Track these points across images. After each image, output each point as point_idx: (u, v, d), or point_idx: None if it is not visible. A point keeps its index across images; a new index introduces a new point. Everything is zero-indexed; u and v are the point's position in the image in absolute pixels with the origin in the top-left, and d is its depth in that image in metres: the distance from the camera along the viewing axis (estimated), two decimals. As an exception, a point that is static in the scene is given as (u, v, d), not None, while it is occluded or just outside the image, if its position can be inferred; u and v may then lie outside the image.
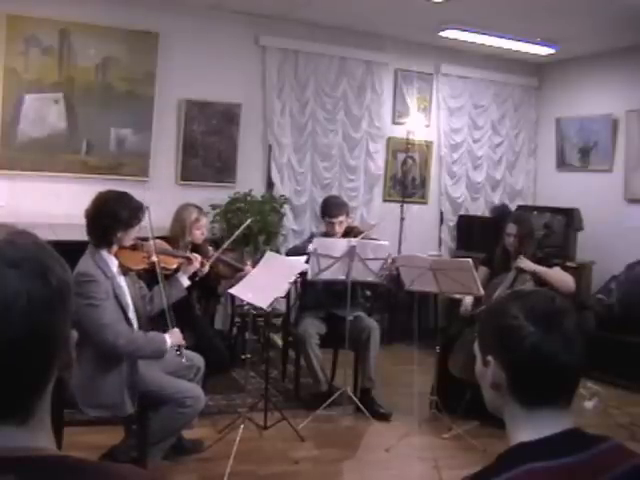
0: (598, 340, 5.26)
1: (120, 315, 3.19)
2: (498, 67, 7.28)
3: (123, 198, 3.23)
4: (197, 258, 3.74)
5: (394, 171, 7.11)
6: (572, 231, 6.54)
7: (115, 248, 3.24)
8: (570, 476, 1.09)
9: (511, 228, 4.49)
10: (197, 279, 3.88)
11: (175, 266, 3.69)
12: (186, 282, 3.64)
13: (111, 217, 3.16)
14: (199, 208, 4.36)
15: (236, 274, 4.12)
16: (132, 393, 3.16)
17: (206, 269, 3.87)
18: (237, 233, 4.22)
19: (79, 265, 3.11)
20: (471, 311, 4.38)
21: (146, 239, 3.48)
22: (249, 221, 4.52)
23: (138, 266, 3.38)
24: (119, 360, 3.14)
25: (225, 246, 4.13)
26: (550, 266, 4.45)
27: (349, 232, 4.75)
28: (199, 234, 4.26)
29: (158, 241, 3.67)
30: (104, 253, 3.19)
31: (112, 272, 3.20)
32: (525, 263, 4.33)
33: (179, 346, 3.29)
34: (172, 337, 3.26)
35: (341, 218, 4.69)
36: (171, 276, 3.63)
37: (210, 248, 4.18)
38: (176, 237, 4.20)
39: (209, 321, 5.13)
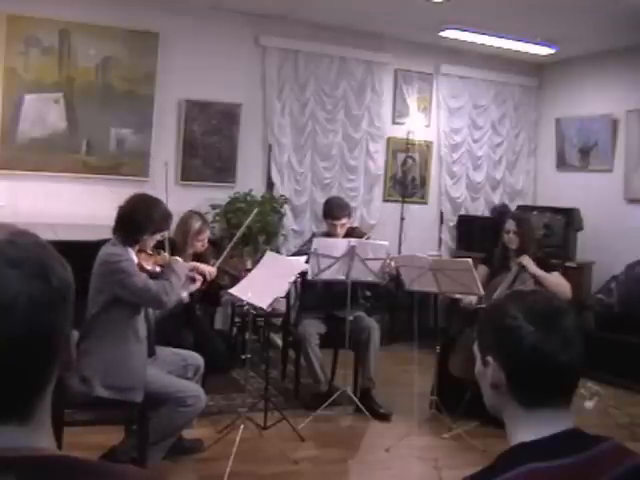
0: (598, 340, 5.27)
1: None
2: (498, 67, 7.28)
3: (158, 202, 3.36)
4: (200, 279, 3.74)
5: (394, 171, 7.11)
6: (572, 231, 6.54)
7: (137, 248, 3.33)
8: (570, 476, 1.10)
9: (510, 224, 4.48)
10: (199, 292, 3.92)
11: None
12: (186, 298, 3.75)
13: (146, 217, 3.26)
14: (204, 219, 4.36)
15: (237, 282, 4.12)
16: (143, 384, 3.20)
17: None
18: (242, 229, 4.22)
19: (104, 249, 3.23)
20: (475, 304, 4.34)
21: (161, 247, 3.55)
22: (255, 212, 4.47)
23: (152, 269, 3.45)
24: (141, 346, 3.23)
25: (227, 252, 4.11)
26: (550, 267, 4.44)
27: (350, 233, 4.75)
28: (199, 246, 4.26)
29: (190, 264, 3.77)
30: (128, 249, 3.28)
31: (135, 264, 3.28)
32: (527, 262, 4.33)
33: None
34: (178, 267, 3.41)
35: (344, 220, 4.70)
36: None
37: (212, 260, 4.15)
38: (179, 244, 4.20)
39: (209, 321, 5.13)
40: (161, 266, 3.49)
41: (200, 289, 3.81)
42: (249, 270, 4.16)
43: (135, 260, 3.30)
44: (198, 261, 4.02)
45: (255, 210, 4.47)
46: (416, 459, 3.94)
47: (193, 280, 3.68)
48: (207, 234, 4.34)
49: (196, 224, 4.25)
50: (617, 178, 6.66)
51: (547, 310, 1.21)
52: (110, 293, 3.17)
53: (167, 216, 3.37)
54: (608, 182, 6.71)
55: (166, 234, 3.59)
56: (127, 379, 3.15)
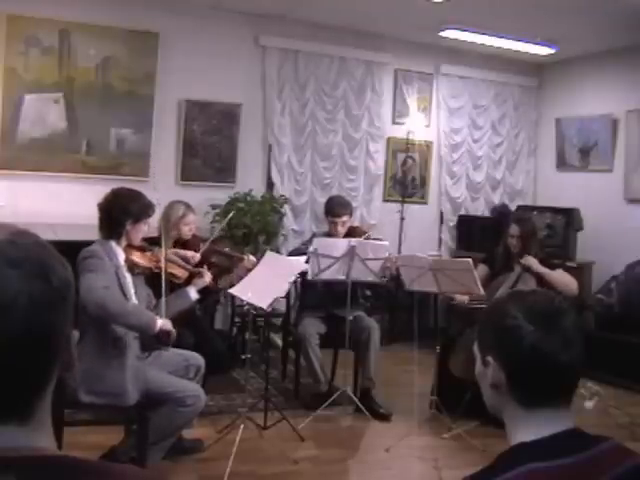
0: (598, 340, 5.27)
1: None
2: (498, 67, 7.28)
3: (135, 194, 3.35)
4: (207, 273, 3.68)
5: (394, 171, 7.11)
6: (572, 231, 6.54)
7: (124, 242, 3.29)
8: (570, 476, 1.09)
9: (513, 229, 4.49)
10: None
11: (184, 277, 3.67)
12: (195, 295, 3.59)
13: (121, 209, 3.25)
14: (186, 205, 4.36)
15: (235, 263, 4.08)
16: (137, 384, 3.16)
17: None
18: (223, 223, 4.23)
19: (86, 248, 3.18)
20: (468, 302, 4.33)
21: (155, 244, 3.52)
22: (232, 213, 4.49)
23: (145, 263, 3.41)
24: (123, 348, 3.16)
25: (214, 236, 4.09)
26: (552, 267, 4.44)
27: (351, 232, 4.75)
28: (187, 230, 4.27)
29: (170, 251, 3.71)
30: (112, 244, 3.25)
31: (119, 262, 3.24)
32: (531, 262, 4.33)
33: (169, 336, 3.20)
34: (164, 322, 3.19)
35: (344, 218, 4.70)
36: (180, 287, 3.62)
37: (200, 244, 4.12)
38: (162, 234, 4.20)
39: (209, 321, 5.13)
40: (160, 268, 3.47)
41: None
42: (244, 255, 4.12)
43: (121, 255, 3.26)
44: (185, 248, 4.00)
45: (231, 213, 4.47)
46: (416, 459, 3.94)
47: (200, 275, 3.65)
48: (193, 219, 4.33)
49: (179, 210, 4.27)
50: (617, 178, 6.66)
51: (547, 310, 1.20)
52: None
53: (146, 205, 3.33)
54: (608, 182, 6.71)
55: (160, 230, 3.55)
56: (107, 386, 3.10)
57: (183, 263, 3.77)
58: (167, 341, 3.24)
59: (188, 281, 3.66)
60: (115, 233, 3.26)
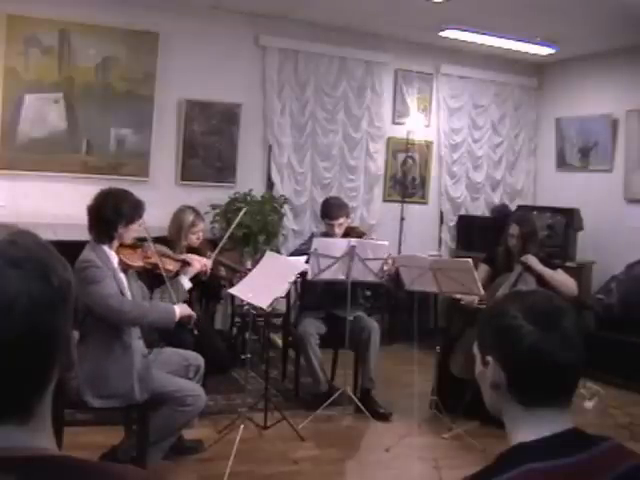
0: (598, 340, 5.27)
1: None
2: (498, 67, 7.28)
3: (125, 193, 3.31)
4: (194, 259, 3.73)
5: (394, 171, 7.11)
6: (572, 231, 6.54)
7: (116, 244, 3.28)
8: (570, 476, 1.09)
9: (513, 229, 4.48)
10: (199, 281, 3.88)
11: (175, 269, 3.69)
12: (188, 284, 3.66)
13: (114, 210, 3.20)
14: (197, 212, 4.36)
15: (237, 276, 4.12)
16: (144, 383, 3.17)
17: (208, 272, 3.85)
18: (234, 224, 4.24)
19: (80, 256, 3.16)
20: (477, 304, 4.31)
21: (144, 240, 3.51)
22: (244, 210, 4.49)
23: (138, 263, 3.41)
24: (129, 348, 3.17)
25: (222, 244, 4.11)
26: (552, 267, 4.44)
27: (349, 233, 4.75)
28: (194, 239, 4.27)
29: (157, 245, 3.70)
30: (105, 248, 3.23)
31: (113, 266, 3.23)
32: (531, 260, 4.33)
33: (190, 319, 3.38)
34: (181, 308, 3.34)
35: (341, 220, 4.69)
36: (172, 279, 3.63)
37: (208, 253, 4.15)
38: (173, 240, 4.22)
39: (209, 321, 5.13)
40: (152, 264, 3.48)
41: (199, 277, 3.79)
42: (249, 270, 4.15)
43: (115, 258, 3.25)
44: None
45: (244, 209, 4.49)
46: (416, 459, 3.94)
47: (188, 264, 3.67)
48: (201, 227, 4.34)
49: (189, 217, 4.27)
50: (617, 178, 6.66)
51: (547, 310, 1.20)
52: (83, 301, 3.11)
53: (137, 205, 3.29)
54: (608, 182, 6.71)
55: (169, 232, 3.53)
56: (116, 387, 3.11)
57: (172, 255, 3.79)
58: (189, 323, 3.39)
59: (179, 272, 3.69)
60: (107, 237, 3.22)
